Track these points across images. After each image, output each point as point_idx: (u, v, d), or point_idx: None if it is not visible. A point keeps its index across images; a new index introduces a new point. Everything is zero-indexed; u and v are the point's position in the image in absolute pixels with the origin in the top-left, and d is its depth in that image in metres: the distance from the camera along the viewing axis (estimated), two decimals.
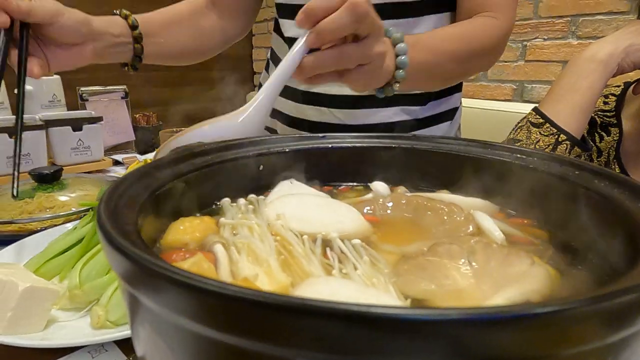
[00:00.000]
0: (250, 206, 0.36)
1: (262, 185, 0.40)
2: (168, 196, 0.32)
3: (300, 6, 0.81)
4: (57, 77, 1.15)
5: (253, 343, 0.14)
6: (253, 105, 0.45)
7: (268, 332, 0.13)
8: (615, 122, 0.76)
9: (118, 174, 1.02)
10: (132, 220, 0.24)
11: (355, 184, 0.43)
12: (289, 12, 0.79)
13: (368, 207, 0.37)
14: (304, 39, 0.45)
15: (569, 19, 1.61)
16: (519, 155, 0.36)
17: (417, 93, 0.77)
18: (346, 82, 0.49)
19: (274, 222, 0.33)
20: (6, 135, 0.92)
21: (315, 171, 0.42)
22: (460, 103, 0.88)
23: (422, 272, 0.25)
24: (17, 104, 0.56)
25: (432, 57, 0.59)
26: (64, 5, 0.61)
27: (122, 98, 1.25)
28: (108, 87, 1.23)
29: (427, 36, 0.61)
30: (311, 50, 0.46)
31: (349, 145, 0.43)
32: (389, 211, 0.36)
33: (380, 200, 0.38)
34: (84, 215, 0.60)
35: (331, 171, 0.43)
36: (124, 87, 1.26)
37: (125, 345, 0.41)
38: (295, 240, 0.30)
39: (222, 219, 0.33)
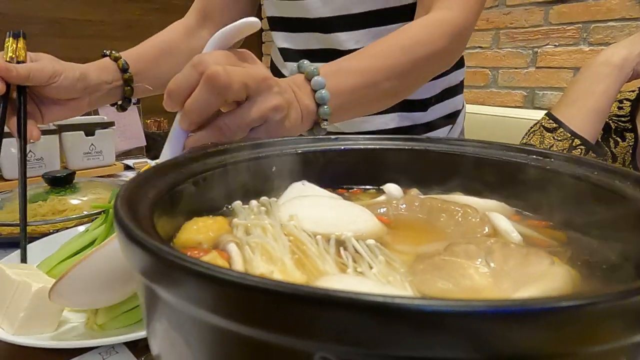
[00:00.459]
0: (263, 208, 0.36)
1: (274, 187, 0.40)
2: (180, 196, 0.32)
3: (290, 19, 0.82)
4: None
5: (273, 335, 0.14)
6: None
7: (290, 324, 0.13)
8: (630, 127, 0.75)
9: (129, 178, 1.02)
10: (148, 217, 0.24)
11: (367, 186, 0.43)
12: (279, 24, 0.81)
13: (381, 209, 0.36)
14: (177, 123, 0.41)
15: (580, 25, 1.61)
16: (535, 157, 0.35)
17: (417, 98, 0.77)
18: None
19: (286, 222, 0.33)
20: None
21: (327, 173, 0.42)
22: (464, 106, 0.88)
23: (439, 271, 0.25)
24: (19, 167, 0.55)
25: (362, 79, 0.52)
26: (61, 60, 0.62)
27: (134, 104, 1.26)
28: None
29: (355, 57, 0.54)
30: None
31: (362, 147, 0.43)
32: (402, 213, 0.36)
33: (394, 202, 0.37)
34: (96, 218, 0.60)
35: (343, 173, 0.43)
36: None
37: (136, 347, 0.41)
38: (309, 240, 0.30)
39: (235, 220, 0.33)
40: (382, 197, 0.39)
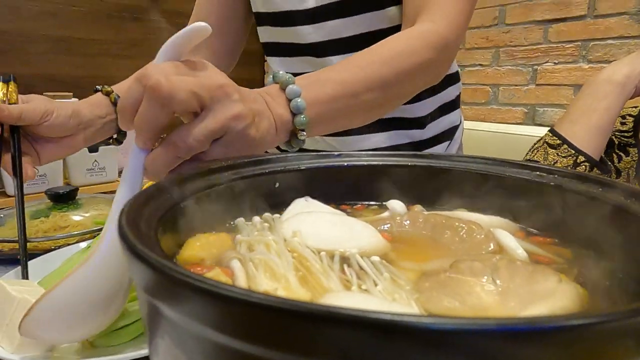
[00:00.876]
0: (266, 224, 0.36)
1: (277, 203, 0.40)
2: (183, 213, 0.32)
3: (284, 44, 0.82)
4: (75, 100, 1.18)
5: (277, 353, 0.14)
6: (103, 244, 0.35)
7: (294, 342, 0.13)
8: (633, 142, 0.75)
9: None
10: (152, 234, 0.24)
11: (371, 202, 0.43)
12: (273, 49, 0.82)
13: (385, 225, 0.36)
14: (134, 141, 0.38)
15: (579, 43, 1.62)
16: (538, 173, 0.35)
17: (413, 116, 0.78)
18: (212, 158, 0.40)
19: (290, 239, 0.32)
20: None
21: (330, 189, 0.42)
22: (461, 122, 0.89)
23: (444, 289, 0.25)
24: (17, 209, 0.55)
25: (341, 89, 0.50)
26: (53, 101, 0.62)
27: None
28: None
29: (333, 68, 0.53)
30: None
31: (365, 163, 0.43)
32: (406, 229, 0.36)
33: (397, 218, 0.37)
34: (98, 234, 0.60)
35: (347, 190, 0.42)
36: None
37: None
38: (313, 257, 0.29)
39: (239, 236, 0.33)
40: (385, 214, 0.39)
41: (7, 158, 0.57)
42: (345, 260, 0.30)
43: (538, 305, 0.22)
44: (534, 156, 0.73)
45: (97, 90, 0.69)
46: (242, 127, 0.40)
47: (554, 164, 0.69)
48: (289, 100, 0.46)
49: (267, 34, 0.82)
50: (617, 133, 0.78)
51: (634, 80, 0.69)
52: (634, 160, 0.74)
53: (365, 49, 0.56)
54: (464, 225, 0.34)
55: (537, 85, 1.73)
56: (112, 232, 0.35)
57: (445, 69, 0.65)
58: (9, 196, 0.93)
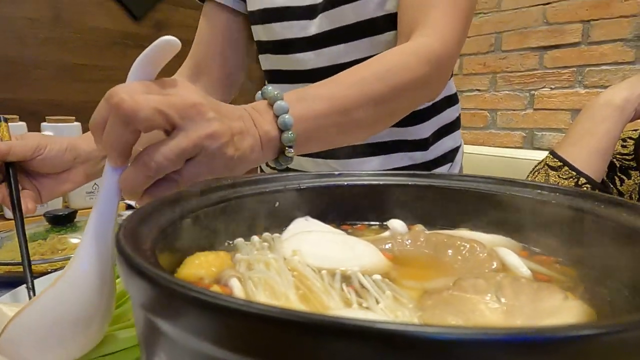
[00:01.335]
0: (265, 243, 0.36)
1: (277, 223, 0.40)
2: (181, 231, 0.32)
3: (286, 71, 0.81)
4: (77, 124, 1.19)
5: None
6: (75, 262, 0.34)
7: (298, 354, 0.13)
8: (635, 165, 0.75)
9: None
10: (150, 251, 0.23)
11: (371, 222, 0.43)
12: (275, 76, 0.83)
13: (386, 244, 0.36)
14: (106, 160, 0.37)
15: (574, 69, 1.65)
16: (539, 191, 0.35)
17: (415, 138, 0.78)
18: (187, 181, 0.38)
19: (290, 257, 0.32)
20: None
21: (330, 209, 0.42)
22: (461, 144, 0.89)
23: (448, 306, 0.24)
24: (19, 240, 0.53)
25: (330, 106, 0.49)
26: (48, 136, 0.62)
27: None
28: None
29: (323, 84, 0.51)
30: None
31: (365, 183, 0.43)
32: (408, 248, 0.35)
33: (399, 237, 0.37)
34: None
35: (347, 209, 0.42)
36: None
37: None
38: (313, 275, 0.29)
39: (238, 255, 0.33)
40: (386, 233, 0.39)
41: (5, 193, 0.57)
42: (346, 279, 0.29)
43: (544, 322, 0.21)
44: (535, 178, 0.73)
45: None
46: (218, 146, 0.39)
47: None
48: (277, 117, 0.45)
49: (269, 61, 0.83)
50: (618, 156, 0.78)
51: (633, 103, 0.69)
52: (636, 183, 0.74)
53: (358, 64, 0.55)
54: (466, 244, 0.33)
55: (535, 109, 1.75)
56: (85, 249, 0.34)
57: (441, 85, 0.64)
58: (7, 219, 0.93)
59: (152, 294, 0.16)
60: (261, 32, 0.81)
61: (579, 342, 0.12)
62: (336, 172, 0.43)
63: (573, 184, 0.68)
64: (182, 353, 0.16)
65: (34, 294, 0.50)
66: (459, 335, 0.12)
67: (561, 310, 0.22)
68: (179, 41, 0.37)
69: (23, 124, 1.09)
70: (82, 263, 0.34)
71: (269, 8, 0.78)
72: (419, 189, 0.41)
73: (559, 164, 0.71)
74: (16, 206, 0.56)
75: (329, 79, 0.53)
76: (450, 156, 0.84)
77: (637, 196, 0.73)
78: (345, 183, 0.42)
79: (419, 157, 0.79)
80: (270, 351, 0.13)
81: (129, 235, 0.21)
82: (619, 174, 0.77)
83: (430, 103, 0.78)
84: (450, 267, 0.32)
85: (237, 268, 0.31)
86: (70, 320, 0.34)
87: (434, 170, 0.81)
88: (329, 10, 0.72)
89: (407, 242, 0.36)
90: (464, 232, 0.37)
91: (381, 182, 0.42)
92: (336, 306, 0.25)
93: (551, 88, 1.71)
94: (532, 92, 1.76)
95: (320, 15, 0.73)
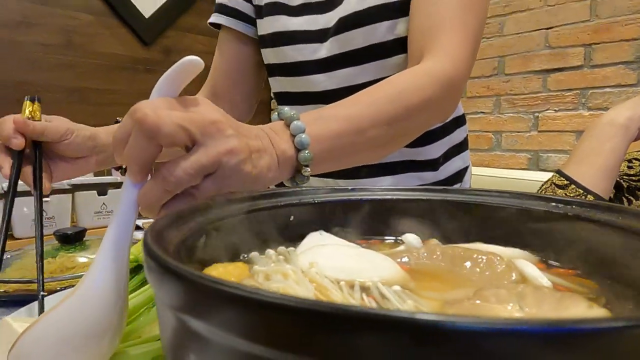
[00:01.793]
0: (281, 257, 0.36)
1: (292, 237, 0.40)
2: (196, 244, 0.32)
3: (297, 93, 0.84)
4: None
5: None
6: (89, 277, 0.34)
7: (333, 346, 0.13)
8: None
9: (136, 238, 1.02)
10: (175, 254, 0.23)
11: (386, 237, 0.43)
12: (285, 98, 0.85)
13: (403, 258, 0.36)
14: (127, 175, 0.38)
15: (578, 91, 1.67)
16: (554, 204, 0.35)
17: (425, 159, 0.79)
18: (204, 196, 0.39)
19: (307, 269, 0.32)
20: (32, 198, 0.95)
21: (345, 224, 0.42)
22: (469, 164, 0.90)
23: (471, 314, 0.24)
24: (36, 223, 0.55)
25: (346, 126, 0.50)
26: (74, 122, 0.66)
27: None
28: None
29: (338, 105, 0.53)
30: None
31: (379, 198, 0.43)
32: (424, 261, 0.35)
33: (414, 251, 0.37)
34: None
35: (361, 224, 0.42)
36: None
37: None
38: (332, 286, 0.29)
39: (256, 267, 0.33)
40: (401, 247, 0.39)
41: (28, 171, 0.60)
42: (365, 289, 0.29)
43: None
44: None
45: (117, 122, 0.72)
46: (236, 162, 0.39)
47: None
48: (293, 136, 0.46)
49: (279, 84, 0.85)
50: (625, 177, 0.78)
51: (636, 122, 0.70)
52: None
53: (372, 86, 0.56)
54: (483, 257, 0.33)
55: (539, 131, 1.76)
56: (101, 264, 0.34)
57: (453, 106, 0.65)
58: (16, 239, 0.93)
59: (185, 292, 0.16)
60: (271, 56, 0.83)
61: (616, 334, 0.12)
62: (350, 187, 0.43)
63: None
64: (216, 353, 0.16)
65: (43, 311, 0.50)
66: (500, 326, 0.12)
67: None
68: (202, 61, 0.38)
69: None
70: (97, 278, 0.35)
71: (278, 32, 0.80)
72: (433, 203, 0.41)
73: (566, 182, 0.71)
74: (38, 185, 0.59)
75: (344, 100, 0.54)
76: (459, 176, 0.85)
77: None
78: (360, 198, 0.42)
79: (429, 177, 0.80)
80: (313, 345, 0.13)
81: (157, 239, 0.21)
82: (626, 195, 0.77)
83: (441, 124, 0.79)
84: (469, 279, 0.32)
85: (255, 279, 0.31)
86: (83, 335, 0.34)
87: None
88: (340, 35, 0.74)
89: (423, 255, 0.36)
90: (479, 245, 0.37)
91: (395, 197, 0.42)
92: None
93: (555, 110, 1.72)
94: (536, 114, 1.77)
95: (330, 39, 0.75)
